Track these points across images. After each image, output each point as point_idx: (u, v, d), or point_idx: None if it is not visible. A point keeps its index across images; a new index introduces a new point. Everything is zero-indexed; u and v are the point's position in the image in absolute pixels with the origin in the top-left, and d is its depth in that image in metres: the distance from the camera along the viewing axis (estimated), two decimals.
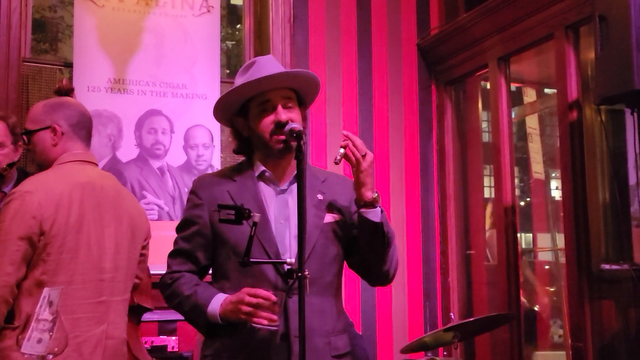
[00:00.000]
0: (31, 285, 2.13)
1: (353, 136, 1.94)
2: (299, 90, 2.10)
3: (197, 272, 2.07)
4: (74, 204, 2.21)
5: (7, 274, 2.09)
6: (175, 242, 2.09)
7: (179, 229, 2.10)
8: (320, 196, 2.07)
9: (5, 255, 2.10)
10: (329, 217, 2.06)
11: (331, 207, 2.07)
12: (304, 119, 2.10)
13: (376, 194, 1.99)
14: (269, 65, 2.08)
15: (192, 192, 2.09)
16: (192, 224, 2.06)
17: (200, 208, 2.04)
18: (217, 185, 2.06)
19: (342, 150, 1.91)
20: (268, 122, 2.01)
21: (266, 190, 2.06)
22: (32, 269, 2.14)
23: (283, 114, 2.00)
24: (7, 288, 2.10)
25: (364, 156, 1.93)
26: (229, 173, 2.11)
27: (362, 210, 1.98)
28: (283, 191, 2.06)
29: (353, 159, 1.93)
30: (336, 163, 1.91)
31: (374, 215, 1.97)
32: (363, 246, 2.04)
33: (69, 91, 2.60)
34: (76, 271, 2.18)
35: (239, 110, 2.08)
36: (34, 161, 2.43)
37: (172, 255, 2.09)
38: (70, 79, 3.95)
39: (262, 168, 2.06)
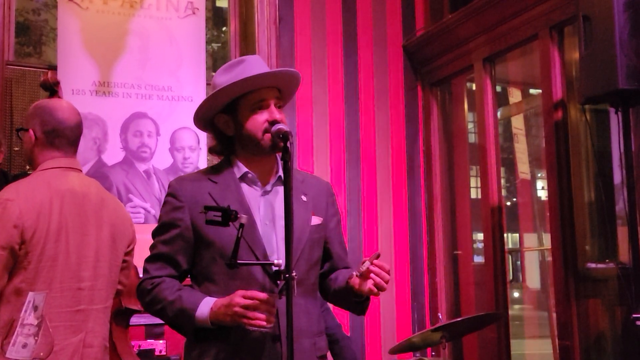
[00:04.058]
0: (9, 293, 2.10)
1: (382, 269, 1.87)
2: (283, 91, 2.10)
3: (178, 277, 2.01)
4: (54, 212, 2.18)
5: None
6: (154, 246, 2.03)
7: (157, 233, 2.04)
8: (304, 197, 2.06)
9: None
10: (314, 220, 2.06)
11: (314, 209, 2.07)
12: None
13: None
14: (260, 64, 2.07)
15: (170, 194, 2.03)
16: (172, 227, 1.99)
17: (181, 211, 1.99)
18: (198, 187, 2.01)
19: (367, 264, 1.86)
20: (261, 120, 1.99)
21: (249, 192, 2.03)
22: (12, 277, 2.11)
23: (277, 114, 2.00)
24: None
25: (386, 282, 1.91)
26: (207, 174, 2.06)
27: (353, 299, 1.99)
28: (267, 192, 2.04)
29: (380, 284, 1.88)
30: (357, 276, 1.90)
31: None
32: (341, 302, 2.10)
33: (54, 85, 2.55)
34: (54, 279, 2.15)
35: (224, 108, 2.04)
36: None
37: (150, 259, 2.02)
38: None
39: (245, 169, 2.04)
